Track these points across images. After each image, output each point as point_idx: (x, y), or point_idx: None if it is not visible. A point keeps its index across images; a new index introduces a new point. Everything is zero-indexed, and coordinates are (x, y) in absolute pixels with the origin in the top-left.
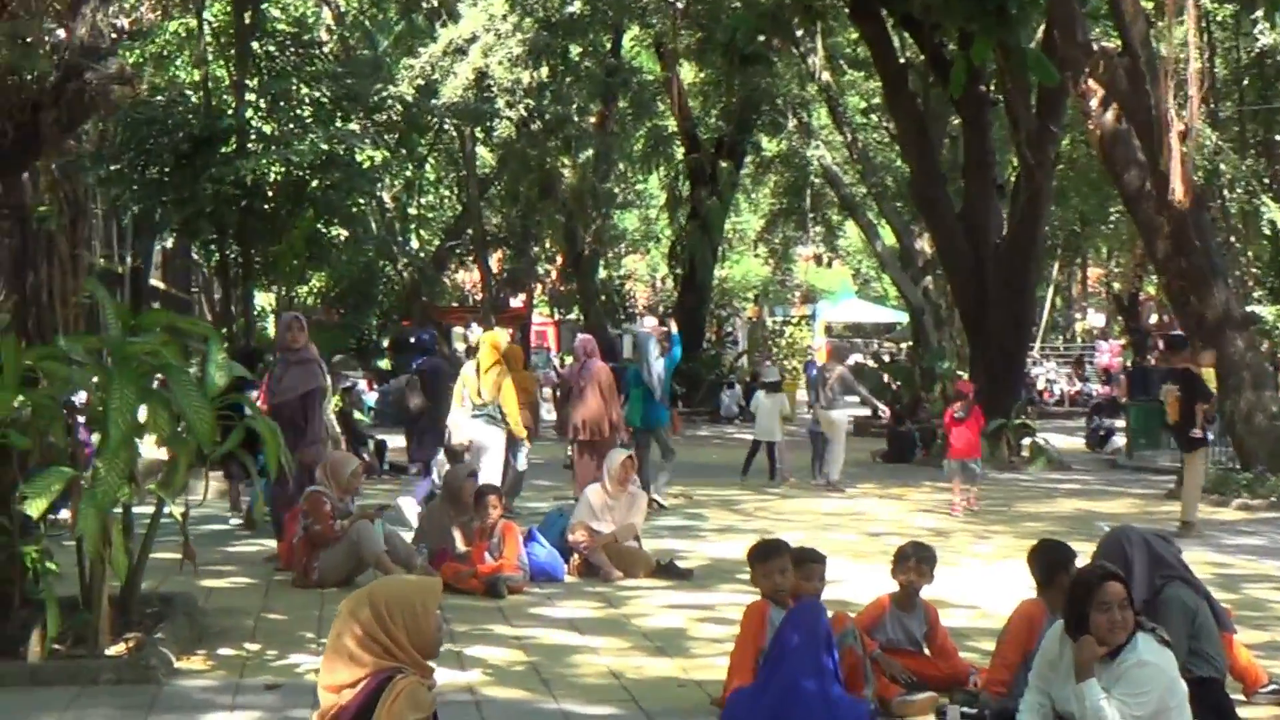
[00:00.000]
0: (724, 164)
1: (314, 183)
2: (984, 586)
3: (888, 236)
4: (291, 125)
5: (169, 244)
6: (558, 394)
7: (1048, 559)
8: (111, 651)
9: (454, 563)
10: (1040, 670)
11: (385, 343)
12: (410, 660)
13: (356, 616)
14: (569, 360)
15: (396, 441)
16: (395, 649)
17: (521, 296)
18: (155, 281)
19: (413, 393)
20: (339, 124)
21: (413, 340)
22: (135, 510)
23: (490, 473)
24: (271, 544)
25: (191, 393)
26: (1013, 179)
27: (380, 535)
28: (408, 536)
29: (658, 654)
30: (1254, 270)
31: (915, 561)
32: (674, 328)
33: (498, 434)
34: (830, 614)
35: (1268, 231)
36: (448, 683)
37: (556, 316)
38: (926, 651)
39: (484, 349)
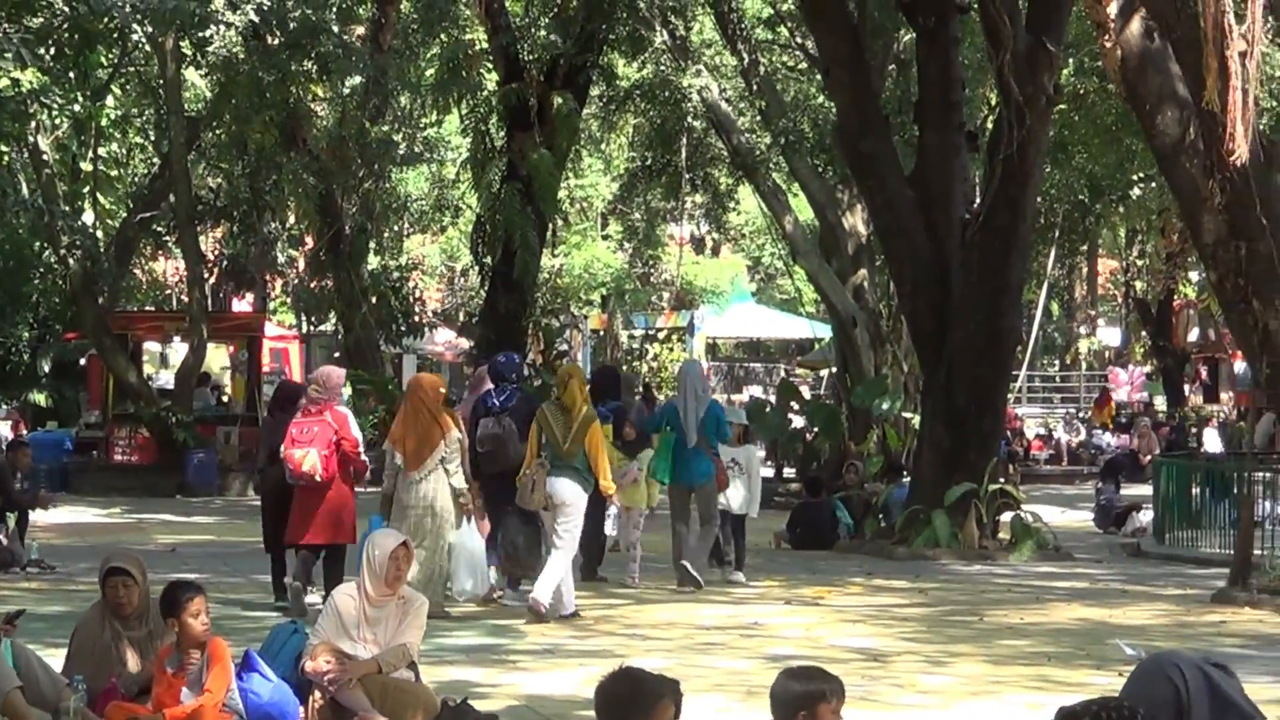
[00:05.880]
0: (559, 98)
1: None
2: None
3: (802, 210)
4: None
5: None
6: None
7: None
8: None
9: (126, 702)
10: None
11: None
12: None
13: None
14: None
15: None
16: None
17: (249, 297)
18: None
19: (512, 441)
20: None
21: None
22: None
23: (567, 542)
24: None
25: None
26: (989, 125)
27: (7, 662)
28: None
29: None
30: None
31: (796, 706)
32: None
33: (583, 494)
34: None
35: None
36: None
37: (304, 327)
38: None
39: (574, 385)
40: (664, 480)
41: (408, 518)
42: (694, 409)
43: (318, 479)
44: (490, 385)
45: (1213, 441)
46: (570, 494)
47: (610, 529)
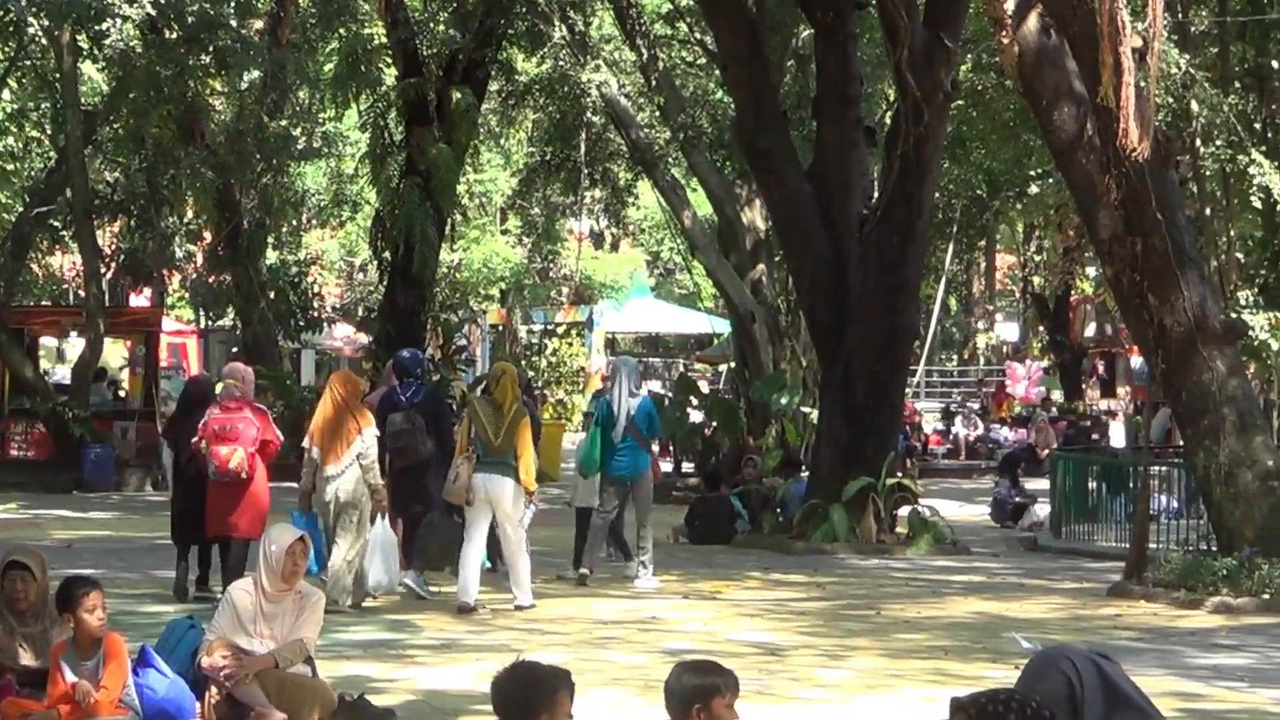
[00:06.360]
0: (457, 93)
1: None
2: None
3: (701, 205)
4: None
5: None
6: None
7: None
8: None
9: (20, 698)
10: None
11: None
12: None
13: None
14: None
15: None
16: None
17: (147, 292)
18: None
19: (421, 436)
20: None
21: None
22: None
23: (516, 537)
24: None
25: None
26: (888, 120)
27: None
28: None
29: None
30: (1237, 258)
31: (691, 699)
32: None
33: (513, 489)
34: None
35: (1258, 202)
36: None
37: (202, 323)
38: None
39: (506, 381)
40: (586, 473)
41: (326, 513)
42: (627, 404)
43: (243, 476)
44: (395, 381)
45: (1120, 435)
46: (506, 493)
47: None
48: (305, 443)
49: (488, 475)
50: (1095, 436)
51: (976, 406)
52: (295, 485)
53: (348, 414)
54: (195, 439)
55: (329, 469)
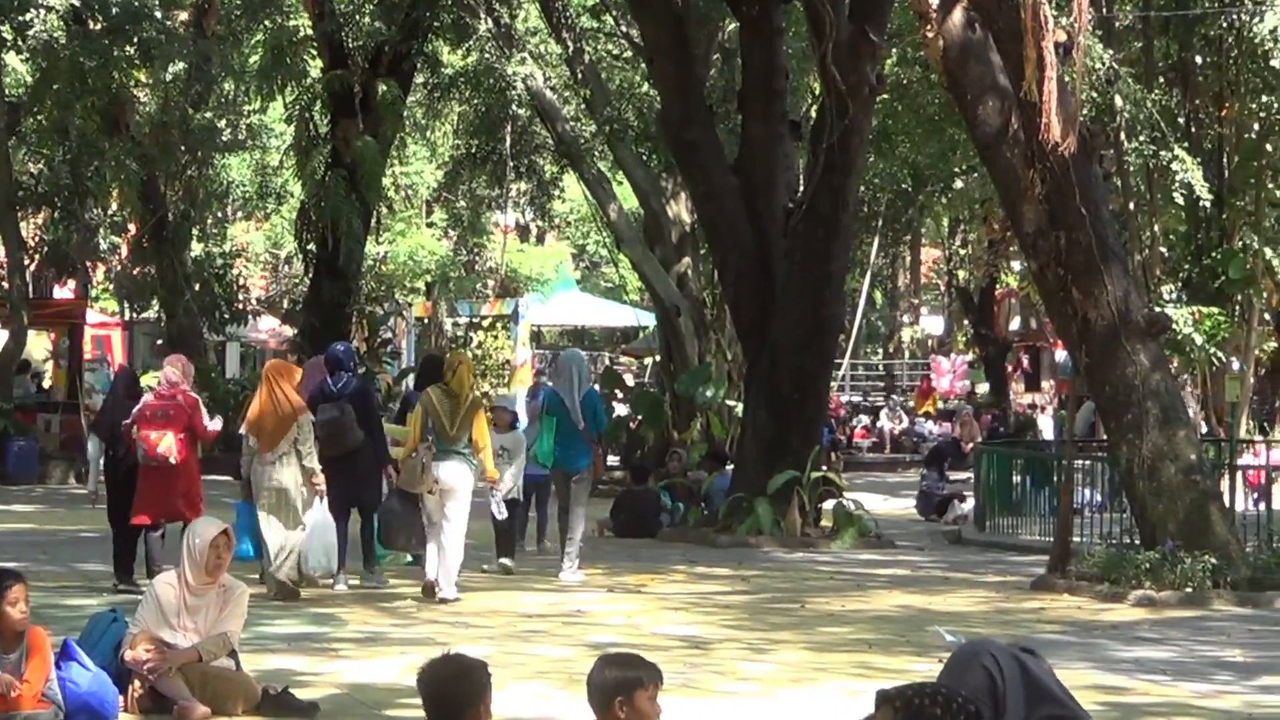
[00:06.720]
0: (383, 85)
1: None
2: None
3: (627, 198)
4: None
5: None
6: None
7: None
8: None
9: None
10: None
11: None
12: None
13: None
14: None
15: None
16: None
17: (71, 284)
18: None
19: (352, 425)
20: None
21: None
22: None
23: (457, 526)
24: None
25: None
26: (813, 114)
27: None
28: None
29: None
30: (1161, 252)
31: (613, 692)
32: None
33: (471, 477)
34: None
35: (1181, 198)
36: None
37: (126, 315)
38: None
39: (463, 372)
40: (547, 464)
41: (263, 499)
42: (579, 397)
43: (172, 461)
44: (326, 373)
45: (1048, 429)
46: (460, 480)
47: (495, 511)
48: (242, 430)
49: (443, 463)
50: (1001, 429)
51: (894, 399)
52: (222, 478)
53: (285, 402)
54: (126, 422)
55: (267, 455)
